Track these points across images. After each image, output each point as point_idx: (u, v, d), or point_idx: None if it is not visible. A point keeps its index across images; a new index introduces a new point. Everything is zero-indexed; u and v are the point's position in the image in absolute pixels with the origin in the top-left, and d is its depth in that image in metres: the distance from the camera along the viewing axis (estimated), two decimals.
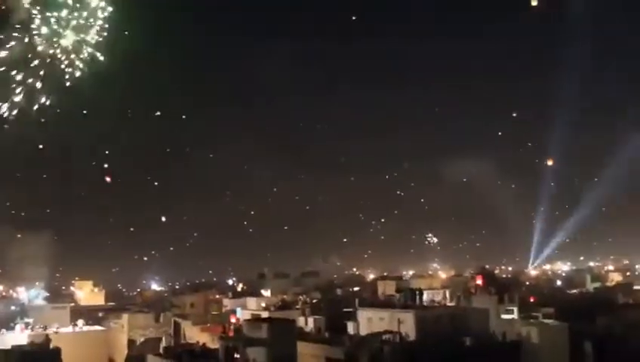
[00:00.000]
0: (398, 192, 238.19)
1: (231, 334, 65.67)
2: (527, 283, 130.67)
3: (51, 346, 62.94)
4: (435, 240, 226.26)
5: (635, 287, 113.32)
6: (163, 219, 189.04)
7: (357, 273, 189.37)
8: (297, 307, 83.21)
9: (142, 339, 74.62)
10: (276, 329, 50.47)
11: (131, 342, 75.03)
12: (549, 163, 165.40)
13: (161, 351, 62.01)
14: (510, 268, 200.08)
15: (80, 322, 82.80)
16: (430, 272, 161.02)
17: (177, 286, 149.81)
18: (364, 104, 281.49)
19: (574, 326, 56.22)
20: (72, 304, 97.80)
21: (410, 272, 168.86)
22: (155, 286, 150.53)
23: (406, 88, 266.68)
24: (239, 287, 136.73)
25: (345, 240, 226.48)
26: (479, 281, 75.86)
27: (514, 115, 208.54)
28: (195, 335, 71.83)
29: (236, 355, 51.92)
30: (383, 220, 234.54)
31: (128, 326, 78.36)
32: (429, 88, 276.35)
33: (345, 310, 74.31)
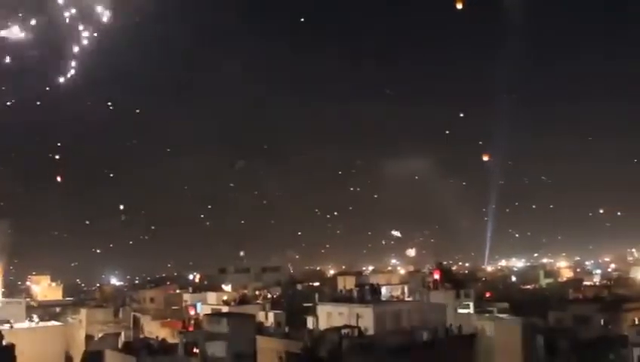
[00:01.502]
0: (352, 188, 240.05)
1: (191, 329, 66.03)
2: (483, 279, 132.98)
3: (5, 342, 61.16)
4: (399, 235, 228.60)
5: (585, 283, 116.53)
6: (122, 217, 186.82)
7: (317, 268, 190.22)
8: (258, 302, 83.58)
9: (100, 335, 74.07)
10: (236, 324, 50.91)
11: (89, 338, 74.38)
12: (485, 158, 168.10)
13: (119, 346, 61.76)
14: (467, 265, 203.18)
15: (36, 317, 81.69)
16: (389, 268, 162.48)
17: (137, 281, 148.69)
18: (323, 99, 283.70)
19: (527, 320, 57.76)
20: (28, 299, 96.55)
21: (370, 268, 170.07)
22: (114, 281, 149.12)
23: (360, 84, 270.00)
24: (197, 278, 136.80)
25: (300, 233, 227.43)
26: (437, 276, 77.18)
27: (461, 114, 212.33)
28: (155, 330, 71.79)
29: (196, 350, 52.30)
30: (336, 213, 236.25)
31: (86, 322, 77.75)
32: (380, 86, 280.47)
33: (305, 305, 74.92)
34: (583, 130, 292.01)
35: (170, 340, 61.36)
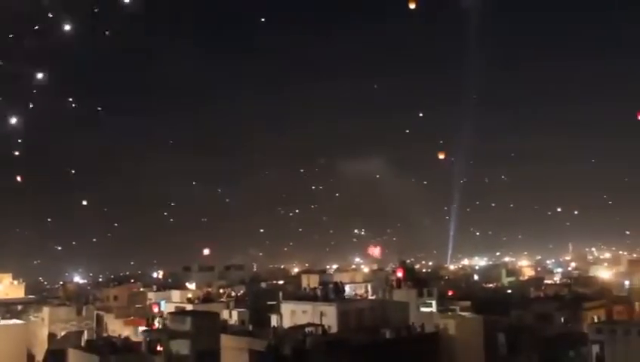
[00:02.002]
0: (313, 187, 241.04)
1: (154, 327, 65.53)
2: (446, 277, 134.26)
3: None
4: (363, 233, 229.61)
5: (546, 282, 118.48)
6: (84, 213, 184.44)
7: (281, 267, 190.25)
8: (222, 300, 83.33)
9: (63, 333, 73.26)
10: (200, 322, 50.63)
11: (52, 336, 73.48)
12: (441, 157, 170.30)
13: (82, 344, 61.12)
14: (430, 263, 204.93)
15: None
16: (353, 266, 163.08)
17: (101, 279, 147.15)
18: (283, 99, 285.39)
19: (489, 318, 58.55)
20: None
21: (334, 266, 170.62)
22: (77, 279, 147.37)
23: (322, 84, 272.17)
24: (160, 275, 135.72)
25: (262, 231, 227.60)
26: (400, 274, 77.69)
27: (420, 114, 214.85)
28: (118, 328, 71.11)
29: (159, 348, 51.93)
30: (297, 211, 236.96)
31: (49, 320, 76.59)
32: (343, 86, 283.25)
33: (269, 303, 74.95)
34: (545, 130, 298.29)
35: (134, 338, 60.82)
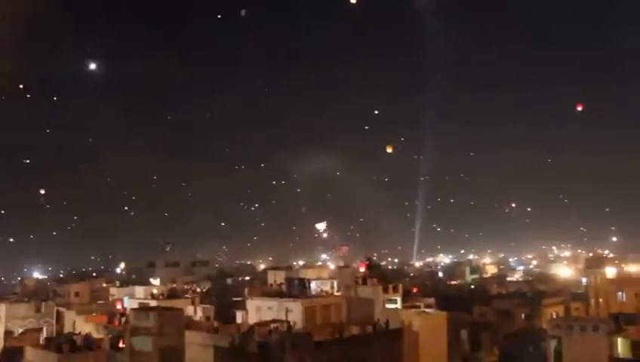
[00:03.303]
0: (274, 182, 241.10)
1: (117, 323, 64.96)
2: (411, 274, 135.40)
3: None
4: (324, 229, 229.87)
5: (508, 279, 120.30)
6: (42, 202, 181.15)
7: (248, 263, 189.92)
8: (187, 296, 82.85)
9: (21, 330, 72.18)
10: (164, 318, 50.20)
11: (9, 334, 72.29)
12: (389, 150, 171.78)
13: (41, 342, 60.23)
14: (396, 260, 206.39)
15: None
16: (319, 263, 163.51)
17: (62, 275, 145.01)
18: (247, 98, 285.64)
19: (453, 314, 59.26)
20: None
21: (300, 263, 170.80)
22: (37, 275, 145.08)
23: (286, 82, 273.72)
24: (123, 270, 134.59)
25: (224, 224, 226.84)
26: (362, 269, 78.27)
27: (376, 112, 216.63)
28: (80, 325, 70.27)
29: (122, 345, 51.50)
30: (257, 205, 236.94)
31: (6, 317, 75.27)
32: (305, 83, 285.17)
33: (234, 299, 74.82)
34: (503, 128, 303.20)
35: (96, 335, 60.21)
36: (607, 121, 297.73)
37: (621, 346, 50.83)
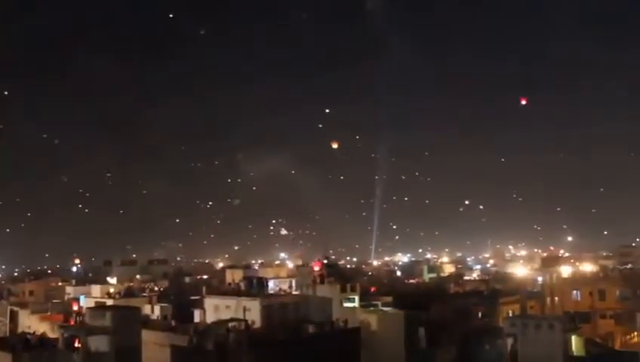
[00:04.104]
0: (229, 180, 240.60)
1: (72, 323, 63.93)
2: (369, 273, 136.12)
3: None
4: (284, 231, 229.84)
5: (466, 278, 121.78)
6: None
7: (206, 261, 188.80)
8: (144, 295, 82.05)
9: None
10: (120, 317, 49.70)
11: None
12: (334, 146, 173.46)
13: None
14: (354, 259, 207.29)
15: None
16: (277, 262, 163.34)
17: (16, 274, 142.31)
18: (202, 96, 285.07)
19: (410, 313, 59.69)
20: None
21: (259, 261, 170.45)
22: None
23: (246, 82, 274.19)
24: (77, 266, 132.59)
25: (177, 221, 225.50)
26: (317, 268, 78.48)
27: (327, 110, 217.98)
28: (34, 324, 68.94)
29: (77, 344, 50.67)
30: (212, 203, 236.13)
31: None
32: (264, 82, 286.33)
33: (192, 298, 74.29)
34: (460, 127, 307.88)
35: (51, 335, 59.10)
36: (556, 121, 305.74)
37: (575, 344, 51.90)
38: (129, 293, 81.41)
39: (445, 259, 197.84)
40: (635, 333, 62.17)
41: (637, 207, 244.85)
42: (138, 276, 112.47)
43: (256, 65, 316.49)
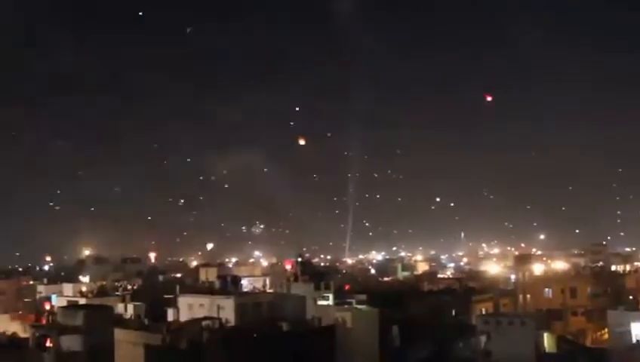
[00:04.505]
0: (201, 178, 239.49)
1: (44, 322, 63.24)
2: (344, 271, 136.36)
3: None
4: (259, 229, 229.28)
5: (439, 276, 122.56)
6: None
7: (180, 260, 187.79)
8: (117, 293, 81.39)
9: None
10: (92, 316, 49.40)
11: None
12: (301, 142, 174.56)
13: None
14: (329, 257, 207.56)
15: None
16: (252, 260, 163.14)
17: None
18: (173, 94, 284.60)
19: (384, 311, 59.84)
20: None
21: (234, 259, 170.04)
22: None
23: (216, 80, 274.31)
24: (49, 264, 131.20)
25: (149, 218, 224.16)
26: (288, 266, 78.60)
27: (297, 108, 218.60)
28: (5, 324, 68.15)
29: (49, 344, 50.21)
30: (183, 201, 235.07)
31: None
32: (237, 82, 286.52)
33: (166, 296, 73.81)
34: (431, 126, 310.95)
35: (22, 334, 58.57)
36: (521, 118, 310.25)
37: (547, 341, 52.54)
38: (102, 292, 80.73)
39: (419, 257, 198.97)
40: (606, 330, 63.00)
41: (606, 206, 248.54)
42: (111, 275, 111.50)
43: (230, 60, 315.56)
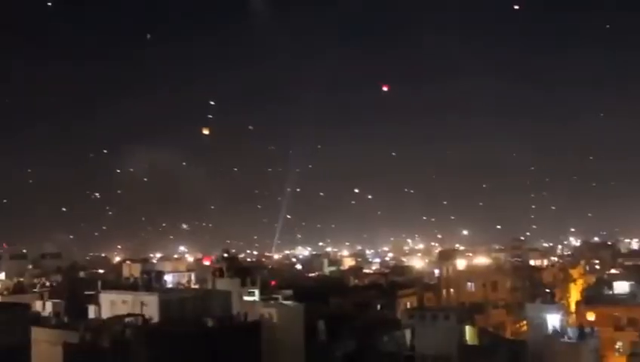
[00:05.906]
0: (119, 170, 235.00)
1: None
2: (270, 266, 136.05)
3: None
4: (185, 226, 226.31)
5: (365, 271, 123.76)
6: None
7: (103, 255, 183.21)
8: (35, 291, 78.73)
9: None
10: (7, 315, 47.51)
11: None
12: (206, 132, 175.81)
13: None
14: (255, 252, 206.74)
15: None
16: (176, 256, 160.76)
17: None
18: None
19: (310, 306, 59.87)
20: None
21: (158, 255, 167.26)
22: None
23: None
24: None
25: (64, 209, 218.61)
26: (207, 263, 77.90)
27: (211, 102, 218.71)
28: None
29: None
30: (98, 194, 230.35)
31: None
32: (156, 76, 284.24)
33: (87, 293, 71.81)
34: (349, 125, 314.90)
35: None
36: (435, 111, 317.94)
37: (469, 334, 53.60)
38: (19, 289, 78.00)
39: (345, 252, 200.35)
40: (524, 322, 64.83)
41: (521, 202, 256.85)
42: (29, 271, 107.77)
43: (157, 60, 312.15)
